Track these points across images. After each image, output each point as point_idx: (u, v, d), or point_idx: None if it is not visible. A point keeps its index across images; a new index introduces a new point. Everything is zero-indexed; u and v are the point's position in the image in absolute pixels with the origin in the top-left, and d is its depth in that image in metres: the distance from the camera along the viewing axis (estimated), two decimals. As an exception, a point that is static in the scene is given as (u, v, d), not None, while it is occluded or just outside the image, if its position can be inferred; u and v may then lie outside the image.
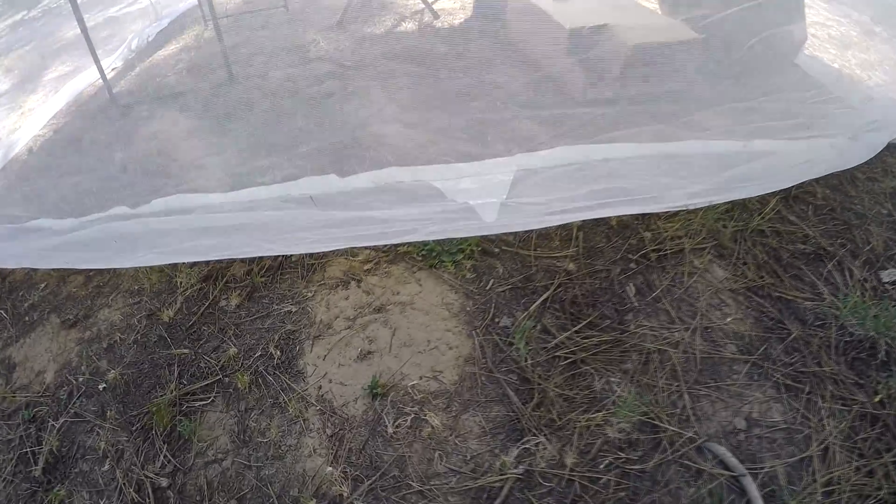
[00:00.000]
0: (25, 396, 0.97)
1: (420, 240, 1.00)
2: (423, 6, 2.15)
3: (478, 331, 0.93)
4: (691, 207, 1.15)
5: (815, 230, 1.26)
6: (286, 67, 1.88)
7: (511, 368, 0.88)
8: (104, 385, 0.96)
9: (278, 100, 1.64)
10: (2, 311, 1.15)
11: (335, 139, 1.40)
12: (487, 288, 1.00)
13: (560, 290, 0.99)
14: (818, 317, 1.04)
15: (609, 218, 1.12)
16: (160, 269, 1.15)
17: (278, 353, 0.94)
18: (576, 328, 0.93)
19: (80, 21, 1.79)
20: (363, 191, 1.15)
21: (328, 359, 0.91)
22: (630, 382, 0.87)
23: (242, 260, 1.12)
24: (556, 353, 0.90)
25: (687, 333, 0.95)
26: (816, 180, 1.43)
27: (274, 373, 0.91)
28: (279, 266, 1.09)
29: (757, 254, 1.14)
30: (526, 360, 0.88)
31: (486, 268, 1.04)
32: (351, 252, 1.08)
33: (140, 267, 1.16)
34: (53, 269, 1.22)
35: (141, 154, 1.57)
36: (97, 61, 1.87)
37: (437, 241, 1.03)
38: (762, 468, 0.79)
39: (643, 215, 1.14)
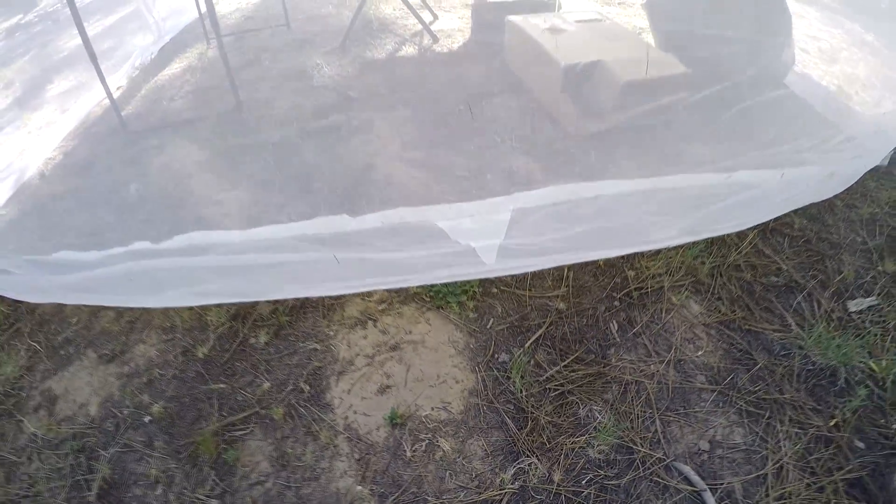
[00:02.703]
0: (71, 428, 1.11)
1: (429, 283, 1.18)
2: (422, 27, 2.27)
3: (480, 366, 1.12)
4: (674, 245, 1.32)
5: (788, 263, 1.44)
6: (292, 95, 2.01)
7: (509, 399, 1.07)
8: (149, 418, 1.11)
9: (286, 131, 1.78)
10: (35, 344, 1.29)
11: (344, 175, 1.56)
12: (488, 326, 1.18)
13: (552, 327, 1.17)
14: (784, 347, 1.21)
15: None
16: (189, 307, 1.31)
17: (307, 387, 1.12)
18: (564, 363, 1.11)
19: (93, 58, 1.87)
20: (373, 231, 1.32)
21: (352, 392, 1.09)
22: (610, 410, 1.06)
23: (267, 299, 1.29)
24: (547, 386, 1.08)
25: (662, 366, 1.13)
26: (795, 210, 1.60)
27: (305, 405, 1.09)
28: (301, 305, 1.26)
29: (731, 288, 1.32)
30: (521, 392, 1.07)
31: (487, 308, 1.22)
32: (366, 292, 1.25)
33: (171, 304, 1.31)
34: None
35: (156, 185, 1.70)
36: (108, 92, 1.98)
37: (444, 283, 1.21)
38: (721, 484, 0.97)
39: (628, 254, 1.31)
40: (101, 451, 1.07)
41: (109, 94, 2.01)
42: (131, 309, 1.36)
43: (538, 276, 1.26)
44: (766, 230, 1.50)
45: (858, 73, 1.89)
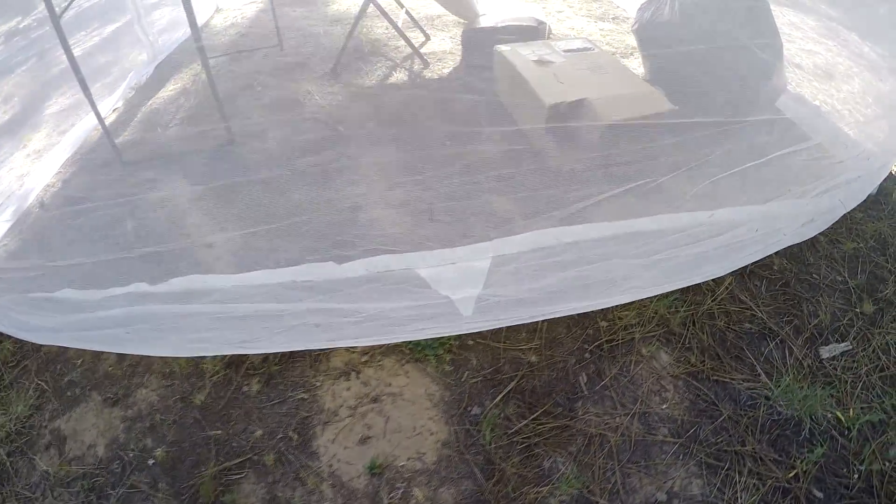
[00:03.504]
0: (81, 468, 1.21)
1: (409, 339, 1.27)
2: (413, 52, 2.29)
3: (453, 419, 1.20)
4: (648, 295, 1.38)
5: (763, 309, 1.49)
6: (283, 127, 2.07)
7: (478, 451, 1.16)
8: (153, 461, 1.21)
9: (277, 169, 1.85)
10: (42, 383, 1.38)
11: (330, 219, 1.64)
12: (462, 380, 1.26)
13: (523, 380, 1.25)
14: (751, 397, 1.26)
15: (572, 308, 1.36)
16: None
17: (296, 436, 1.22)
18: (533, 416, 1.20)
19: (86, 91, 1.92)
20: (357, 280, 1.40)
21: (336, 442, 1.20)
22: (573, 462, 1.15)
23: (257, 347, 1.39)
24: (515, 438, 1.17)
25: (626, 419, 1.21)
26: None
27: (294, 453, 1.20)
28: (290, 354, 1.36)
29: (703, 338, 1.38)
30: (490, 444, 1.16)
31: (462, 361, 1.29)
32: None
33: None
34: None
35: (151, 223, 1.76)
36: (102, 123, 2.05)
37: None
38: (677, 535, 1.07)
39: (603, 304, 1.37)
40: (109, 490, 1.19)
41: (103, 125, 2.06)
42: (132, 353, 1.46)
43: (514, 327, 1.34)
44: (743, 273, 1.55)
45: (853, 89, 1.86)
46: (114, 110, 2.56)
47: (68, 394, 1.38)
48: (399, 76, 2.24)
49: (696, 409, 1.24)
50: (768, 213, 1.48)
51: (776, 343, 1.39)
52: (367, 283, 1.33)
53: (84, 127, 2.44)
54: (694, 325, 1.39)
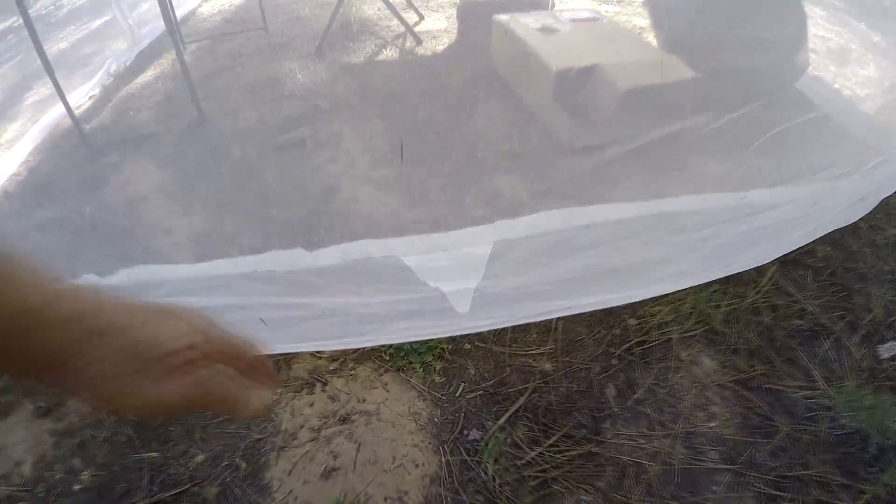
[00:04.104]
0: (7, 489, 0.94)
1: (390, 342, 0.92)
2: (405, 30, 1.96)
3: (445, 446, 0.87)
4: (682, 288, 1.04)
5: (813, 303, 1.16)
6: (260, 105, 1.73)
7: (479, 489, 0.82)
8: (79, 486, 0.92)
9: (247, 148, 1.51)
10: None
11: (304, 200, 1.29)
12: (457, 394, 0.92)
13: (535, 395, 0.91)
14: (809, 409, 0.95)
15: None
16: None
17: (244, 464, 0.88)
18: (549, 441, 0.85)
19: (50, 72, 1.62)
20: (330, 270, 1.06)
21: (293, 474, 0.85)
22: (603, 500, 0.80)
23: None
24: (527, 472, 0.83)
25: (667, 441, 0.87)
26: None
27: (241, 485, 0.86)
28: (244, 359, 1.02)
29: (750, 337, 1.04)
30: (494, 480, 0.82)
31: (457, 370, 0.96)
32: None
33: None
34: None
35: (109, 209, 1.47)
36: (67, 106, 1.74)
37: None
38: None
39: (628, 298, 1.03)
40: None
41: (69, 109, 1.76)
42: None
43: (521, 328, 0.99)
44: (786, 261, 1.21)
45: (870, 75, 1.62)
46: (90, 98, 2.22)
47: (2, 400, 1.05)
48: (389, 53, 1.90)
49: (749, 425, 0.91)
50: (816, 190, 1.16)
51: (831, 342, 1.06)
52: (342, 274, 0.99)
53: (54, 115, 2.10)
54: (738, 321, 1.05)
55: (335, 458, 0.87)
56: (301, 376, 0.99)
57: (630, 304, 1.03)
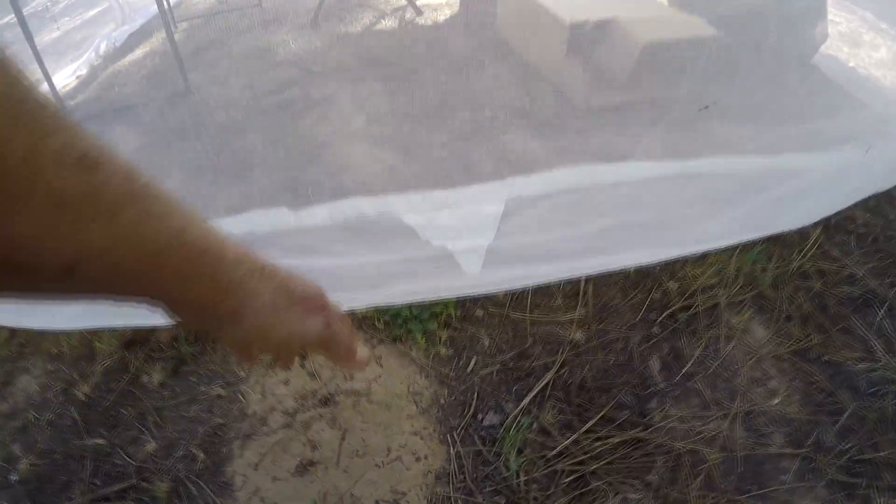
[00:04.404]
0: None
1: (385, 304, 0.72)
2: (406, 2, 1.82)
3: (455, 433, 0.66)
4: (723, 246, 0.86)
5: (861, 268, 0.99)
6: (250, 73, 1.57)
7: (498, 488, 0.61)
8: (16, 477, 0.74)
9: (232, 112, 1.33)
10: None
11: (290, 160, 1.11)
12: (469, 370, 0.71)
13: (565, 370, 0.71)
14: (872, 382, 0.78)
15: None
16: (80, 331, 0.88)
17: (202, 455, 0.67)
18: (584, 427, 0.65)
19: (30, 38, 1.47)
20: (320, 228, 0.87)
21: (261, 468, 0.65)
22: (654, 498, 0.60)
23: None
24: (558, 465, 0.62)
25: (725, 423, 0.68)
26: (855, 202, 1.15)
27: (197, 481, 0.66)
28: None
29: (801, 303, 0.87)
30: (518, 477, 0.61)
31: (468, 340, 0.75)
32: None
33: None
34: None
35: None
36: (49, 81, 1.57)
37: (406, 304, 0.75)
38: None
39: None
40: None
41: (50, 83, 1.60)
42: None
43: (544, 291, 0.79)
44: (828, 226, 1.05)
45: (883, 58, 1.53)
46: (76, 77, 2.06)
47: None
48: (387, 23, 1.74)
49: (812, 402, 0.73)
50: (845, 159, 1.01)
51: (885, 311, 0.89)
52: (330, 233, 0.80)
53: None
54: (787, 285, 0.87)
55: (314, 448, 0.66)
56: (279, 349, 0.79)
57: (668, 265, 0.85)
